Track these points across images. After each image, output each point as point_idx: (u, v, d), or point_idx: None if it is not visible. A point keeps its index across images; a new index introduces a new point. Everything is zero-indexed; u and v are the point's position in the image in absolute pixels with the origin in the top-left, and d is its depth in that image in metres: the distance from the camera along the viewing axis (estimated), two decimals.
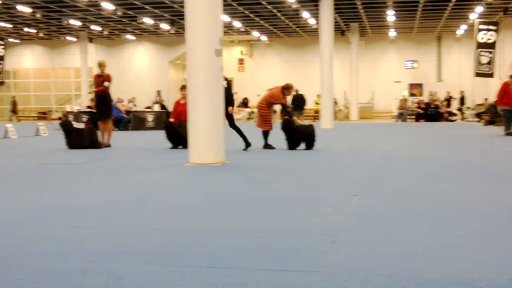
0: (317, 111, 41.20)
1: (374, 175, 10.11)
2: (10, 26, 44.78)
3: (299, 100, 33.01)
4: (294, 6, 36.24)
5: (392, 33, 47.65)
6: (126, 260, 4.58)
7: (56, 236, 5.44)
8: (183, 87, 17.33)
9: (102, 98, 17.23)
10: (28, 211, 6.78)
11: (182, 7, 32.52)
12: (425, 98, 44.58)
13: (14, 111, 48.17)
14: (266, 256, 4.64)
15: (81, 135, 16.77)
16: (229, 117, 15.64)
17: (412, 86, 48.86)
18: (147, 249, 4.90)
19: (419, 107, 41.55)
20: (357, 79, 45.28)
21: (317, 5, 33.37)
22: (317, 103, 42.04)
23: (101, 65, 17.36)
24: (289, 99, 34.58)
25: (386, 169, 11.06)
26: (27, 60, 55.61)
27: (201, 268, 4.32)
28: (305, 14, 38.65)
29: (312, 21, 40.98)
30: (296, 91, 34.18)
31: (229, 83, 15.81)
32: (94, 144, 16.73)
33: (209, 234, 5.46)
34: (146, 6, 36.67)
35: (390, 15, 39.15)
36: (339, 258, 4.56)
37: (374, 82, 49.34)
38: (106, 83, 16.99)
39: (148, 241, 5.21)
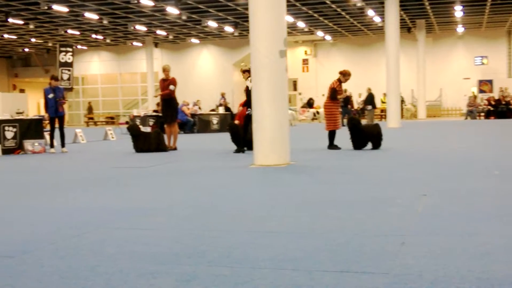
0: (383, 110, 40.82)
1: (443, 174, 9.94)
2: (78, 33, 45.72)
3: (372, 99, 32.95)
4: (359, 4, 36.00)
5: (460, 29, 46.86)
6: (193, 262, 4.59)
7: (126, 238, 5.50)
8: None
9: (168, 102, 17.39)
10: (100, 214, 6.88)
11: (246, 9, 32.67)
12: (496, 94, 43.64)
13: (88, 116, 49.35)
14: (333, 257, 4.59)
15: (148, 139, 16.96)
16: (247, 119, 15.67)
17: (482, 82, 47.90)
18: (214, 251, 4.91)
19: (489, 104, 40.66)
20: (424, 76, 44.71)
21: (382, 3, 33.08)
22: (383, 102, 41.62)
23: (165, 70, 17.53)
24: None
25: (456, 168, 10.85)
26: (95, 66, 56.72)
27: (268, 270, 4.30)
28: (370, 12, 38.36)
29: (377, 19, 40.68)
30: (369, 90, 34.05)
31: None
32: (160, 147, 16.90)
33: (275, 236, 5.44)
34: (210, 10, 36.96)
35: (458, 11, 38.52)
36: (408, 260, 4.48)
37: (442, 79, 48.61)
38: (171, 87, 17.15)
39: (215, 243, 5.22)
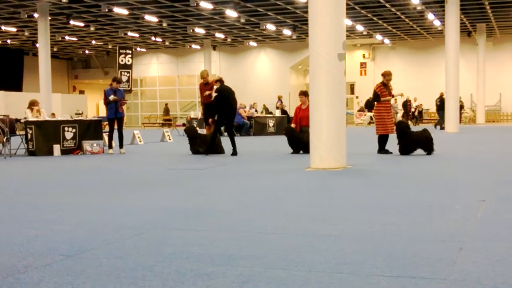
0: None
1: (502, 180, 9.77)
2: (137, 35, 46.30)
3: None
4: (419, 7, 35.64)
5: None
6: (250, 263, 4.61)
7: (183, 239, 5.54)
8: (301, 93, 17.29)
9: (211, 105, 17.40)
10: (158, 214, 6.95)
11: (304, 12, 32.73)
12: None
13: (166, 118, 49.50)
14: (390, 262, 4.55)
15: (205, 141, 17.05)
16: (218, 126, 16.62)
17: None
18: (270, 253, 4.91)
19: None
20: (484, 81, 44.05)
21: (442, 6, 32.69)
22: None
23: (203, 76, 17.71)
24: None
25: None
26: (153, 68, 57.34)
27: (324, 273, 4.29)
28: (430, 16, 37.94)
29: (437, 23, 40.22)
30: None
31: (222, 91, 16.27)
32: (217, 149, 16.97)
33: (332, 239, 5.42)
34: (269, 13, 37.03)
35: None
36: (467, 266, 4.41)
37: (502, 84, 47.78)
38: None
39: (272, 245, 5.23)
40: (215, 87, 16.43)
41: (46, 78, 34.24)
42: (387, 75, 15.85)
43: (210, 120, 16.96)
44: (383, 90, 15.59)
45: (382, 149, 15.72)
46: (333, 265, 4.51)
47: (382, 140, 15.80)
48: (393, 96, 16.08)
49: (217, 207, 7.43)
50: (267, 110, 39.69)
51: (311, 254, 4.86)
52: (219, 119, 16.38)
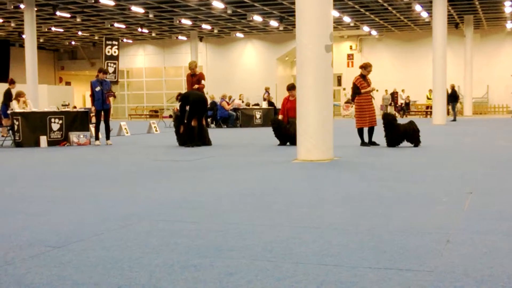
0: (428, 106, 40.45)
1: (489, 172, 9.80)
2: (124, 26, 46.11)
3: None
4: None
5: (509, 25, 46.12)
6: (237, 255, 4.60)
7: (171, 231, 5.53)
8: (290, 88, 17.14)
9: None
10: (145, 206, 6.93)
11: (291, 3, 32.68)
12: None
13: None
14: (378, 254, 4.56)
15: (192, 133, 17.02)
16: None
17: None
18: (257, 245, 4.90)
19: None
20: (471, 73, 44.17)
21: None
22: (429, 98, 41.22)
23: (192, 67, 17.65)
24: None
25: (502, 166, 10.69)
26: (140, 59, 57.15)
27: (311, 265, 4.28)
28: (418, 7, 37.99)
29: (424, 14, 40.30)
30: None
31: (183, 97, 17.15)
32: (204, 141, 16.95)
33: (319, 231, 5.41)
34: (256, 4, 36.96)
35: (508, 6, 37.92)
36: (454, 258, 4.42)
37: (489, 76, 47.92)
38: (203, 82, 17.34)
39: (259, 237, 5.22)
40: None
41: (32, 69, 34.05)
42: (368, 67, 15.71)
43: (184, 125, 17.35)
44: (362, 82, 15.52)
45: (362, 142, 15.70)
46: (320, 257, 4.50)
47: (361, 133, 15.76)
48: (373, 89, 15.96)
49: (203, 199, 7.42)
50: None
51: (298, 246, 4.85)
52: (190, 113, 16.63)
